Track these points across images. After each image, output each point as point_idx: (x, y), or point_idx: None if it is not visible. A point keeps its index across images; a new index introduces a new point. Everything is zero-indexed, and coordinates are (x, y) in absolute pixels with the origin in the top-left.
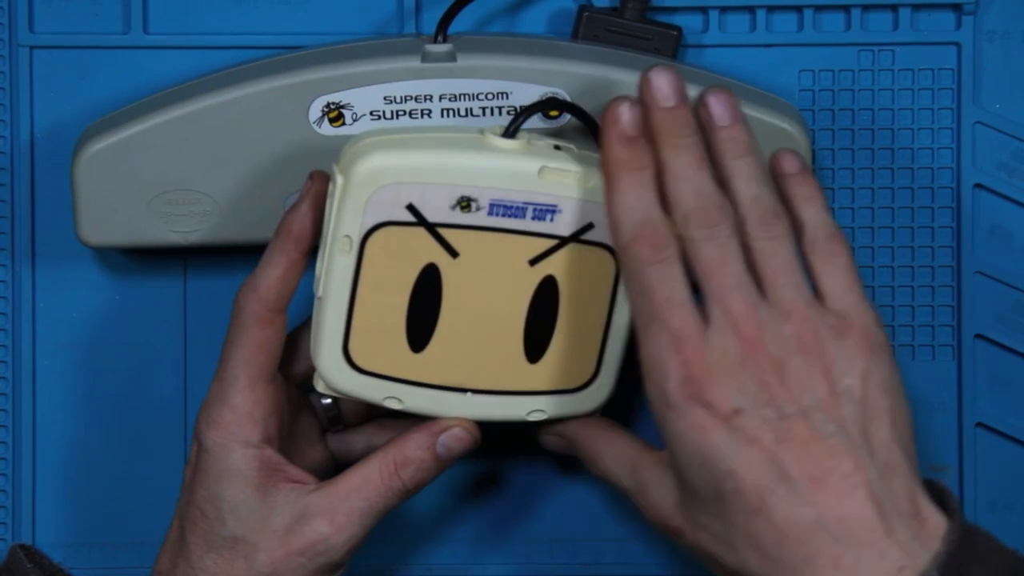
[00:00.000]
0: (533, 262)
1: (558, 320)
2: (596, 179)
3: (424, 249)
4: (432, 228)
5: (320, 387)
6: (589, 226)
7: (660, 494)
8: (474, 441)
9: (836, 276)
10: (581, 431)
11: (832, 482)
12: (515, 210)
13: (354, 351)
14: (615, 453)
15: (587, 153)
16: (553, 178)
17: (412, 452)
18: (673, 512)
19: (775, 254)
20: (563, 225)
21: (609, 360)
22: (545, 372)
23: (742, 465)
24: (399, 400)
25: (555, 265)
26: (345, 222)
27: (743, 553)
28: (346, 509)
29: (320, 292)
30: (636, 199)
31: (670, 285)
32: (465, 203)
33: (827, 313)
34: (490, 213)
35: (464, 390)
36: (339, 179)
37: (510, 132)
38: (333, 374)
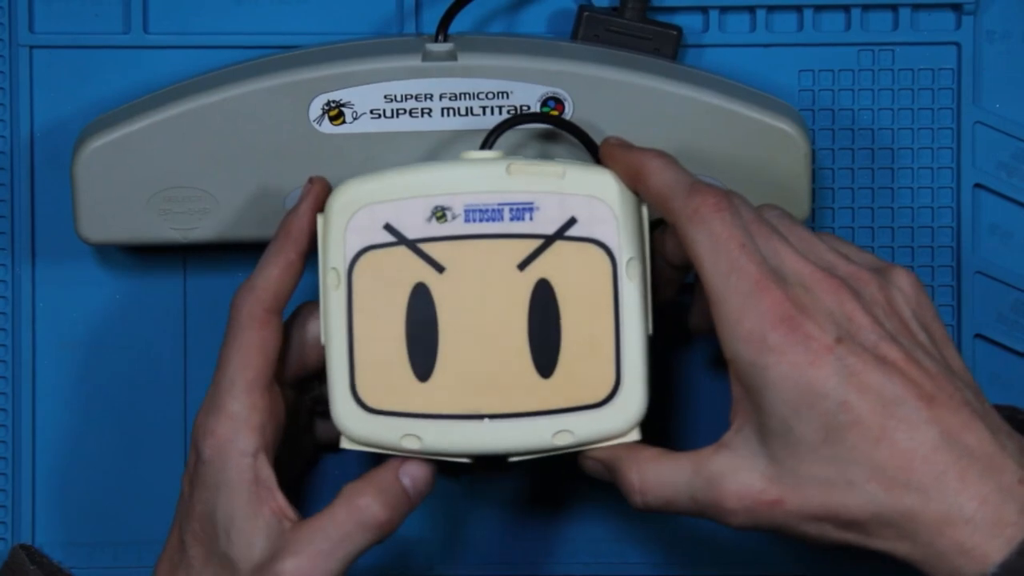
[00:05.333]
0: (522, 266)
1: (562, 327)
2: (569, 170)
3: (409, 269)
4: (412, 244)
5: (344, 443)
6: (572, 221)
7: (741, 475)
8: (434, 476)
9: (841, 244)
10: (621, 455)
11: (943, 400)
12: (491, 213)
13: (362, 390)
14: (666, 471)
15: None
16: (523, 174)
17: (379, 485)
18: (765, 485)
19: (793, 223)
20: (545, 223)
21: (630, 368)
22: (561, 386)
23: (855, 395)
24: (417, 438)
25: (546, 267)
26: (331, 255)
27: (867, 488)
28: (311, 551)
29: (323, 339)
30: (675, 171)
31: (741, 233)
32: (440, 213)
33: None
34: (467, 220)
35: (481, 416)
36: (320, 220)
37: (487, 145)
38: (347, 420)
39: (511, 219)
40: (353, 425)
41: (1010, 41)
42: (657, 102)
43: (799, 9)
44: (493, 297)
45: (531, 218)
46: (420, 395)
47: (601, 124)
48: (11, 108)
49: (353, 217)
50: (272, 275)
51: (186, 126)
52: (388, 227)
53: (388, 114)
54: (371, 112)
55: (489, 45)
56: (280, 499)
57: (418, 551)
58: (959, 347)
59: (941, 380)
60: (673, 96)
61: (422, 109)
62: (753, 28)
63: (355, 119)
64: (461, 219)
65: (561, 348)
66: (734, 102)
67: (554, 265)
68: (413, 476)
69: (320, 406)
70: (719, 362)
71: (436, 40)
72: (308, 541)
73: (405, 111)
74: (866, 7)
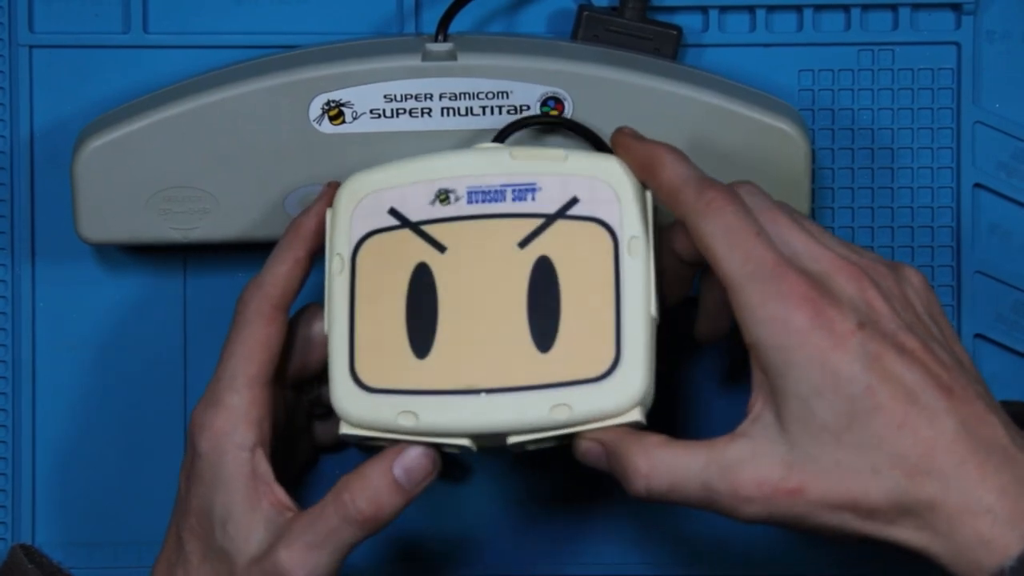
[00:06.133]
0: (523, 244)
1: (562, 302)
2: (572, 153)
3: (412, 250)
4: (415, 226)
5: (342, 428)
6: (574, 201)
7: (760, 462)
8: (433, 464)
9: (848, 244)
10: (627, 439)
11: (958, 392)
12: (494, 194)
13: (361, 369)
14: (676, 457)
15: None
16: (526, 157)
17: (367, 480)
18: (785, 472)
19: (805, 217)
20: (546, 202)
21: (630, 345)
22: (559, 360)
23: (878, 381)
24: (414, 415)
25: (547, 245)
26: (336, 242)
27: (889, 475)
28: (301, 543)
29: (326, 327)
30: (687, 165)
31: (754, 223)
32: (444, 196)
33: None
34: (469, 201)
35: (477, 391)
36: (329, 213)
37: (499, 139)
38: (344, 401)
39: (513, 199)
40: (350, 405)
41: (1010, 41)
42: (657, 102)
43: (799, 9)
44: (493, 274)
45: (533, 198)
46: (418, 372)
47: (601, 124)
48: (11, 108)
49: (359, 204)
50: (280, 272)
51: (186, 126)
52: (392, 211)
53: (388, 114)
54: (371, 112)
55: (489, 45)
56: (279, 491)
57: (419, 552)
58: None
59: (956, 372)
60: (673, 96)
61: (422, 109)
62: (753, 28)
63: (355, 119)
64: (464, 201)
65: (560, 323)
66: (734, 102)
67: (555, 243)
68: (407, 467)
69: (318, 408)
70: (724, 374)
71: (436, 40)
72: (301, 533)
73: (405, 111)
74: (866, 7)
